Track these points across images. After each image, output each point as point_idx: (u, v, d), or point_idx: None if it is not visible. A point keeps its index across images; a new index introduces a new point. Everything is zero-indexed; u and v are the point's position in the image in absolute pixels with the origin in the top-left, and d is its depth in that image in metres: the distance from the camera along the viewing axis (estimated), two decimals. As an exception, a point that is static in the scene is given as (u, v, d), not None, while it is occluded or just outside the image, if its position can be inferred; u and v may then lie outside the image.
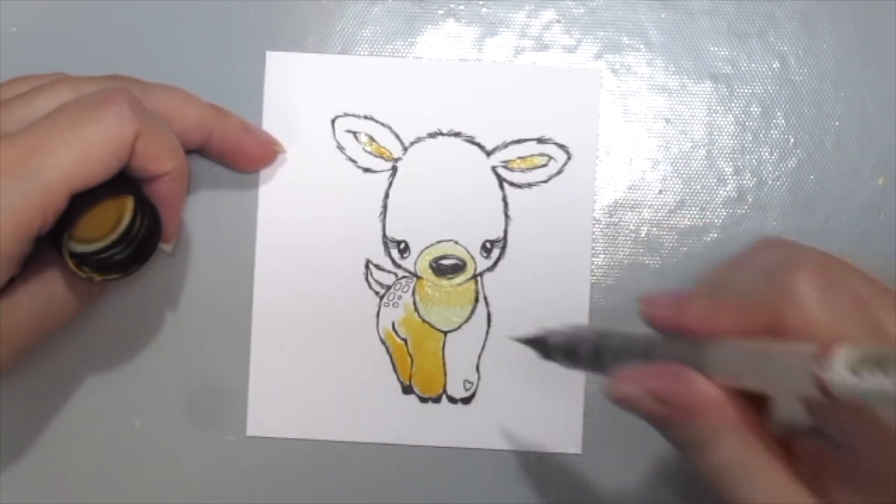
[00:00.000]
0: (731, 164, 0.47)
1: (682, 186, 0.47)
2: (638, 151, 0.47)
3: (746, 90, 0.47)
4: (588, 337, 0.40)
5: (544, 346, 0.43)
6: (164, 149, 0.41)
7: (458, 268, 0.47)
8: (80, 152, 0.38)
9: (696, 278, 0.39)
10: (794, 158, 0.47)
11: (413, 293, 0.47)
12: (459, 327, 0.47)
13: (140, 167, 0.41)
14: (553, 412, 0.46)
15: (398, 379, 0.46)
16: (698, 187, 0.47)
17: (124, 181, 0.41)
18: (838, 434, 0.34)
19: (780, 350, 0.33)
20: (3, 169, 0.38)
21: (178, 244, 0.46)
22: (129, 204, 0.41)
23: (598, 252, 0.46)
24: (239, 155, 0.45)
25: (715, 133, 0.47)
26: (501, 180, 0.47)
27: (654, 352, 0.37)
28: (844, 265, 0.35)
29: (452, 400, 0.46)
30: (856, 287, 0.34)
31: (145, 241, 0.42)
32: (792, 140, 0.47)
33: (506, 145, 0.47)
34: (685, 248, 0.47)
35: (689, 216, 0.47)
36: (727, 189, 0.47)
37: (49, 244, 0.40)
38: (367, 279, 0.46)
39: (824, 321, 0.32)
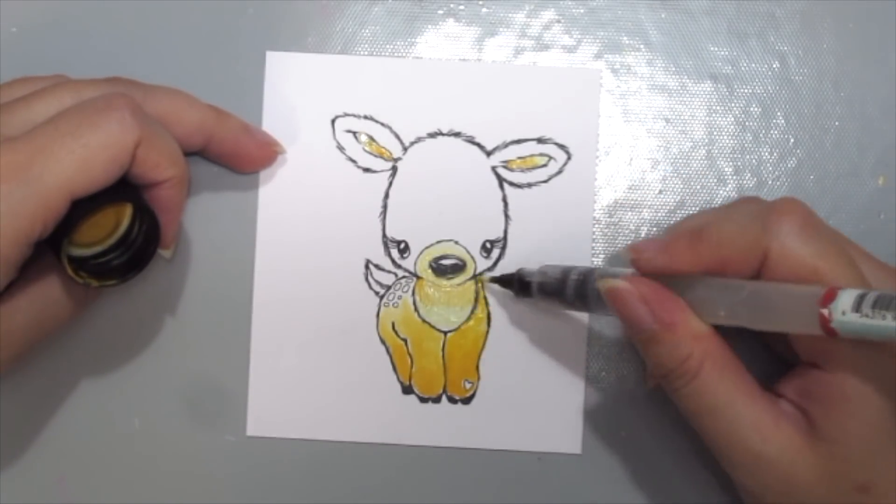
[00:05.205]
0: (731, 164, 0.47)
1: (682, 186, 0.47)
2: (638, 151, 0.47)
3: (746, 90, 0.47)
4: (572, 276, 0.43)
5: (520, 283, 0.45)
6: (164, 155, 0.41)
7: (458, 268, 0.47)
8: (82, 158, 0.38)
9: (672, 226, 0.44)
10: (794, 158, 0.47)
11: (413, 293, 0.47)
12: (459, 327, 0.47)
13: (140, 174, 0.40)
14: (553, 412, 0.46)
15: (398, 379, 0.46)
16: (698, 187, 0.47)
17: (124, 187, 0.41)
18: (832, 363, 0.37)
19: (782, 290, 0.36)
20: (4, 174, 0.37)
21: (178, 248, 0.46)
22: (127, 210, 0.41)
23: (598, 252, 0.46)
24: (239, 156, 0.45)
25: (715, 133, 0.47)
26: (501, 180, 0.47)
27: None
28: (818, 217, 0.40)
29: (452, 400, 0.46)
30: (829, 232, 0.39)
31: (143, 247, 0.42)
32: (792, 140, 0.47)
33: (506, 145, 0.47)
34: (685, 248, 0.47)
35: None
36: (727, 189, 0.47)
37: (47, 249, 0.40)
38: (367, 279, 0.46)
39: (806, 255, 0.37)
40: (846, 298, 0.33)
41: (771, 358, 0.43)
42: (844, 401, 0.37)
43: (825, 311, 0.33)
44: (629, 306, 0.39)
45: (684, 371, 0.38)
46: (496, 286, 0.46)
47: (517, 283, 0.45)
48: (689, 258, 0.38)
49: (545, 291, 0.44)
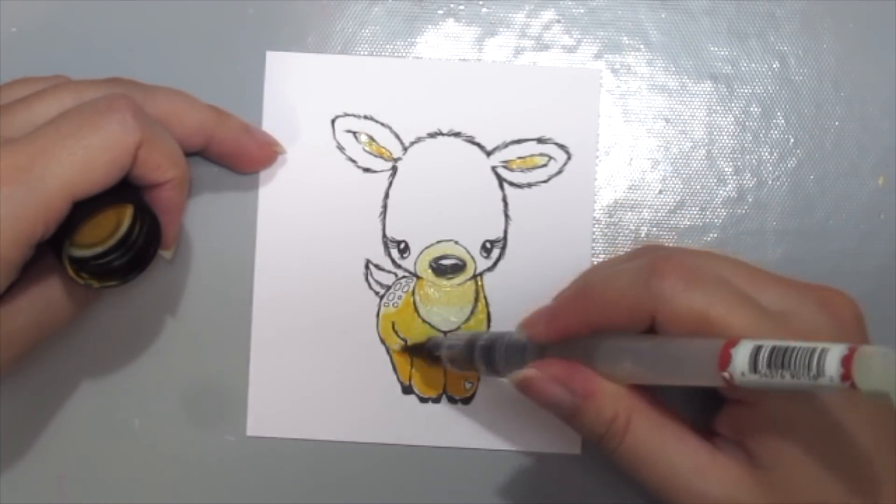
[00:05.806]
0: (731, 164, 0.47)
1: (682, 186, 0.47)
2: (638, 151, 0.47)
3: (746, 90, 0.47)
4: (479, 343, 0.43)
5: (430, 355, 0.45)
6: (166, 157, 0.41)
7: (458, 268, 0.47)
8: (83, 160, 0.38)
9: (568, 285, 0.42)
10: (794, 158, 0.47)
11: (413, 293, 0.47)
12: (459, 327, 0.47)
13: (141, 175, 0.40)
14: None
15: (398, 379, 0.46)
16: (698, 187, 0.47)
17: (125, 188, 0.41)
18: (755, 397, 0.37)
19: (681, 349, 0.36)
20: (5, 176, 0.37)
21: (178, 249, 0.46)
22: (128, 211, 0.41)
23: (598, 252, 0.47)
24: (239, 157, 0.45)
25: (715, 133, 0.47)
26: (501, 180, 0.47)
27: (546, 355, 0.40)
28: (711, 258, 0.40)
29: (452, 400, 0.46)
30: (722, 273, 0.38)
31: (144, 248, 0.42)
32: (792, 140, 0.47)
33: (506, 145, 0.47)
34: (685, 248, 0.47)
35: (689, 216, 0.47)
36: (727, 189, 0.47)
37: (48, 250, 0.40)
38: (367, 279, 0.46)
39: (695, 308, 0.36)
40: (741, 359, 0.32)
41: (705, 394, 0.41)
42: (776, 428, 0.37)
43: (726, 375, 0.32)
44: (544, 391, 0.39)
45: (614, 432, 0.38)
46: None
47: (427, 354, 0.46)
48: (577, 321, 0.38)
49: (455, 362, 0.44)
